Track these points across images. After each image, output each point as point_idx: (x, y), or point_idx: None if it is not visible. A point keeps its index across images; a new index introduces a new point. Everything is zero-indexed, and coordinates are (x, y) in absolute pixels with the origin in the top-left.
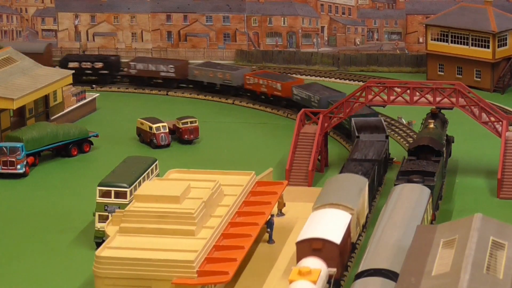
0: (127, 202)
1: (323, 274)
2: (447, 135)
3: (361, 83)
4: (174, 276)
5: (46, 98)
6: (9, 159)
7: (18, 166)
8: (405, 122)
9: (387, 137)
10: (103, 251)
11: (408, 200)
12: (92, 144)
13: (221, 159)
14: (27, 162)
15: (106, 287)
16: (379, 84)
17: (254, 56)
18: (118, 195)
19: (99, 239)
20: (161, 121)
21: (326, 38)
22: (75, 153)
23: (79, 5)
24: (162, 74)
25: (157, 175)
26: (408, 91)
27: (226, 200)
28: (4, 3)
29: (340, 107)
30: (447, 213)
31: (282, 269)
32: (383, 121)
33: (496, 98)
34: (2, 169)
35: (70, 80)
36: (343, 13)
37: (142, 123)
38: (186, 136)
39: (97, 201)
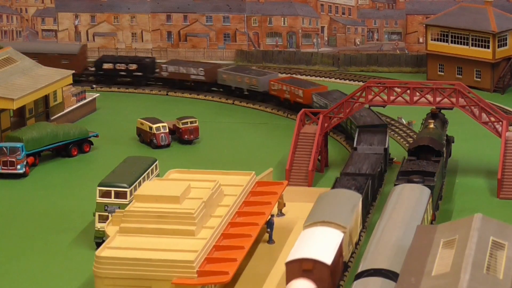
0: (127, 202)
1: None
2: (447, 135)
3: (361, 83)
4: (174, 276)
5: (46, 98)
6: (9, 159)
7: (18, 166)
8: (405, 122)
9: (385, 150)
10: (103, 251)
11: (408, 200)
12: (92, 144)
13: (221, 159)
14: (27, 162)
15: (106, 287)
16: (379, 84)
17: (254, 56)
18: (118, 195)
19: (99, 239)
20: (161, 121)
21: (326, 38)
22: (75, 153)
23: (79, 5)
24: (193, 77)
25: (157, 175)
26: (408, 91)
27: (226, 200)
28: (4, 3)
29: (340, 107)
30: (447, 213)
31: (282, 269)
32: (387, 133)
33: (496, 98)
34: (2, 169)
35: (70, 80)
36: (343, 13)
37: (142, 123)
38: (186, 136)
39: (97, 201)
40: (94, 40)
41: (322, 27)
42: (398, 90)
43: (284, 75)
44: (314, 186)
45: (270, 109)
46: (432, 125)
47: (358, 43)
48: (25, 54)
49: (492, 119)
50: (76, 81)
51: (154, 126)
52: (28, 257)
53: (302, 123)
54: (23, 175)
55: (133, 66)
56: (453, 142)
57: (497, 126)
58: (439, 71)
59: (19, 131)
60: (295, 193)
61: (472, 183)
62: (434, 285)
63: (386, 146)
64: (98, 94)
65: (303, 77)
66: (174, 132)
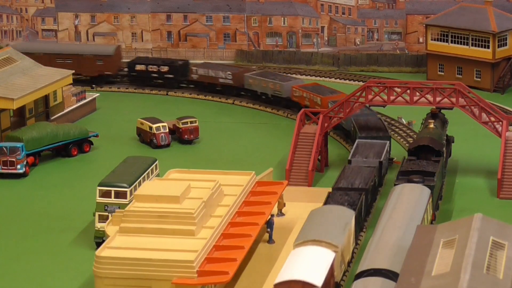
0: (127, 202)
1: None
2: (447, 135)
3: (361, 83)
4: (174, 276)
5: (46, 98)
6: (9, 159)
7: (18, 166)
8: (405, 122)
9: (380, 163)
10: (103, 251)
11: (408, 200)
12: (92, 144)
13: (221, 159)
14: (27, 162)
15: (106, 287)
16: (379, 84)
17: (254, 56)
18: (118, 195)
19: (99, 239)
20: (161, 121)
21: (326, 38)
22: (75, 153)
23: (79, 5)
24: (221, 80)
25: (157, 175)
26: (408, 91)
27: (226, 200)
28: (4, 3)
29: (340, 107)
30: (447, 213)
31: (282, 269)
32: (387, 146)
33: (496, 98)
34: (2, 169)
35: (70, 80)
36: (343, 13)
37: (142, 123)
38: (186, 136)
39: (97, 201)
40: (94, 40)
41: (322, 27)
42: (398, 90)
43: (309, 82)
44: (314, 186)
45: (270, 109)
46: (432, 125)
47: (358, 43)
48: (60, 55)
49: (492, 119)
50: (110, 82)
51: (154, 126)
52: (28, 257)
53: (302, 123)
54: (23, 175)
55: (165, 68)
56: (453, 142)
57: (497, 126)
58: (439, 71)
59: (19, 131)
60: (295, 193)
61: (472, 183)
62: (434, 285)
63: (382, 159)
64: (98, 94)
65: (331, 80)
66: (174, 132)
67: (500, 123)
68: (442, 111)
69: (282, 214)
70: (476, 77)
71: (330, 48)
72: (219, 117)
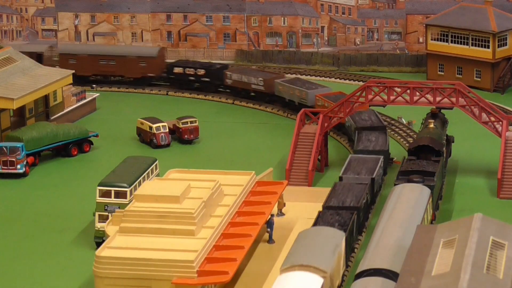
0: (127, 202)
1: None
2: (447, 135)
3: (361, 83)
4: (174, 276)
5: (46, 98)
6: (9, 159)
7: (18, 166)
8: (405, 122)
9: (372, 180)
10: (103, 251)
11: (408, 200)
12: (92, 144)
13: (221, 159)
14: (27, 162)
15: (106, 287)
16: (379, 84)
17: (254, 56)
18: (118, 195)
19: (99, 239)
20: (161, 121)
21: (326, 38)
22: (75, 153)
23: (79, 5)
24: (253, 86)
25: (157, 175)
26: (408, 91)
27: (226, 200)
28: (4, 3)
29: (340, 107)
30: (447, 213)
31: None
32: (381, 161)
33: (496, 98)
34: (2, 169)
35: (70, 80)
36: (343, 13)
37: (142, 123)
38: (186, 136)
39: (97, 201)
40: (94, 40)
41: (322, 27)
42: (398, 90)
43: (335, 91)
44: (314, 186)
45: (270, 109)
46: (432, 125)
47: (358, 43)
48: (103, 56)
49: (492, 119)
50: (152, 84)
51: (154, 126)
52: (28, 257)
53: (302, 123)
54: (23, 175)
55: (201, 72)
56: (453, 142)
57: (497, 126)
58: (439, 71)
59: (19, 131)
60: (295, 193)
61: (472, 183)
62: (434, 285)
63: (374, 175)
64: (98, 94)
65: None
66: (174, 132)
67: (500, 123)
68: (442, 111)
69: (282, 214)
70: (476, 77)
71: (330, 48)
72: (219, 117)
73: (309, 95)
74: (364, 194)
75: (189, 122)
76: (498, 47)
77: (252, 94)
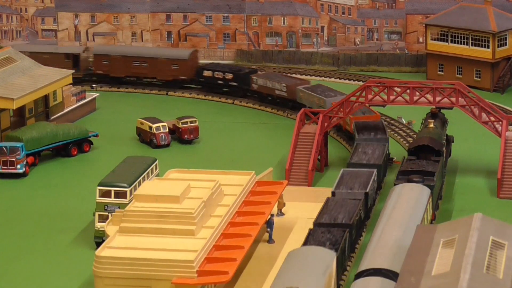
0: (127, 202)
1: None
2: (447, 135)
3: (361, 83)
4: (174, 276)
5: (46, 98)
6: (9, 159)
7: (18, 166)
8: (405, 122)
9: (366, 194)
10: (103, 251)
11: (408, 199)
12: (92, 144)
13: (221, 159)
14: (27, 162)
15: (106, 287)
16: (379, 84)
17: (254, 56)
18: (118, 195)
19: (99, 239)
20: (161, 121)
21: (326, 38)
22: (75, 153)
23: (79, 5)
24: (277, 92)
25: (157, 175)
26: (408, 91)
27: (226, 200)
28: (4, 3)
29: (340, 107)
30: (447, 213)
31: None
32: (374, 175)
33: (496, 98)
34: (2, 169)
35: (70, 80)
36: (343, 13)
37: (142, 123)
38: (186, 136)
39: (97, 201)
40: (94, 40)
41: (322, 27)
42: (398, 89)
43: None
44: (314, 186)
45: (270, 109)
46: (432, 125)
47: (358, 42)
48: (137, 58)
49: (492, 118)
50: (184, 87)
51: (154, 125)
52: (28, 257)
53: (302, 123)
54: (23, 174)
55: (229, 76)
56: (453, 141)
57: (497, 126)
58: (439, 71)
59: (19, 131)
60: (295, 193)
61: (472, 183)
62: (434, 284)
63: (368, 190)
64: (97, 94)
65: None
66: (174, 132)
67: (500, 122)
68: (442, 110)
69: (282, 214)
70: (476, 77)
71: (330, 48)
72: (219, 117)
73: (327, 102)
74: (357, 210)
75: (189, 122)
76: (498, 47)
77: (277, 100)
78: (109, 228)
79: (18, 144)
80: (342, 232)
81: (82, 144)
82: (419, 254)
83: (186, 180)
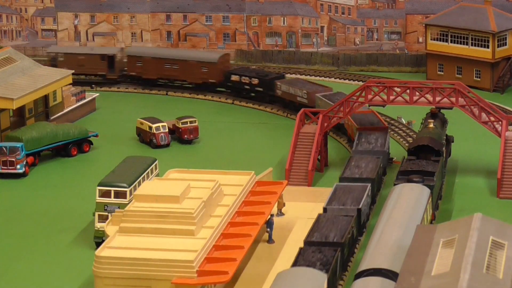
0: (127, 202)
1: None
2: (446, 135)
3: (360, 83)
4: (174, 276)
5: (45, 98)
6: (9, 159)
7: (18, 166)
8: (404, 122)
9: (359, 210)
10: (103, 251)
11: (408, 199)
12: (92, 144)
13: (221, 159)
14: (26, 162)
15: (106, 287)
16: (378, 84)
17: (254, 56)
18: (118, 195)
19: (99, 239)
20: (160, 121)
21: (326, 38)
22: (75, 153)
23: (79, 5)
24: (299, 99)
25: (157, 175)
26: (408, 91)
27: (225, 200)
28: (4, 3)
29: (340, 107)
30: (447, 213)
31: (281, 269)
32: (367, 190)
33: (495, 97)
34: (2, 169)
35: (69, 80)
36: (343, 13)
37: (142, 123)
38: (186, 136)
39: (97, 201)
40: (94, 40)
41: (322, 27)
42: (398, 89)
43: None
44: (314, 186)
45: (270, 109)
46: (431, 125)
47: (358, 42)
48: (168, 60)
49: (492, 118)
50: (214, 91)
51: (153, 125)
52: (28, 257)
53: (302, 123)
54: (23, 175)
55: (255, 81)
56: (452, 141)
57: (497, 126)
58: (438, 71)
59: (18, 131)
60: (294, 193)
61: (472, 183)
62: (433, 284)
63: (361, 206)
64: (97, 94)
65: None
66: (174, 132)
67: (500, 122)
68: (442, 110)
69: (282, 214)
70: (475, 77)
71: (329, 48)
72: (219, 117)
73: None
74: (349, 228)
75: (188, 122)
76: (498, 47)
77: (299, 107)
78: (109, 228)
79: (18, 144)
80: (333, 252)
81: (82, 144)
82: (419, 254)
83: (186, 180)
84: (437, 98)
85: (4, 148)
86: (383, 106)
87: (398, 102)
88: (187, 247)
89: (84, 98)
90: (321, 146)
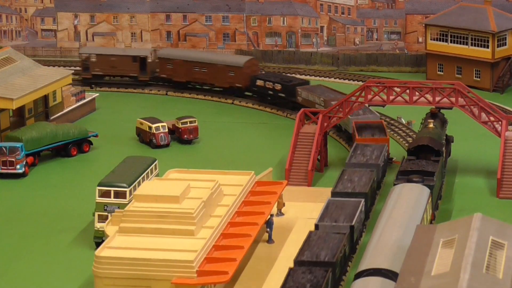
0: (127, 202)
1: None
2: (446, 135)
3: (360, 83)
4: (174, 276)
5: (45, 98)
6: (9, 159)
7: (18, 166)
8: (404, 122)
9: (351, 227)
10: (102, 251)
11: (408, 199)
12: (92, 144)
13: (221, 159)
14: (26, 162)
15: (106, 287)
16: (378, 84)
17: (254, 56)
18: (117, 195)
19: (99, 239)
20: (160, 121)
21: (326, 38)
22: (75, 153)
23: (79, 5)
24: (317, 106)
25: (157, 175)
26: (408, 90)
27: (225, 200)
28: (4, 3)
29: (339, 107)
30: (447, 213)
31: (281, 269)
32: (361, 205)
33: (495, 97)
34: (2, 169)
35: (69, 80)
36: (343, 13)
37: (141, 123)
38: (185, 136)
39: (97, 201)
40: (93, 40)
41: (322, 27)
42: (398, 89)
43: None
44: (314, 186)
45: (270, 109)
46: (431, 125)
47: (358, 42)
48: (197, 63)
49: (492, 118)
50: (242, 96)
51: (153, 126)
52: (28, 257)
53: (302, 123)
54: (23, 175)
55: (278, 87)
56: (452, 141)
57: (497, 126)
58: (438, 71)
59: (18, 131)
60: (294, 193)
61: (471, 183)
62: (433, 284)
63: (353, 222)
64: (97, 94)
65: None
66: (174, 132)
67: (500, 122)
68: (442, 110)
69: (282, 214)
70: (475, 77)
71: (329, 48)
72: (219, 117)
73: (350, 120)
74: (341, 246)
75: (188, 122)
76: (498, 47)
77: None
78: (109, 228)
79: (18, 144)
80: (324, 272)
81: (81, 144)
82: (419, 254)
83: (186, 180)
84: (437, 98)
85: (4, 148)
86: (383, 106)
87: (398, 102)
88: (187, 247)
89: (84, 98)
90: (321, 146)
